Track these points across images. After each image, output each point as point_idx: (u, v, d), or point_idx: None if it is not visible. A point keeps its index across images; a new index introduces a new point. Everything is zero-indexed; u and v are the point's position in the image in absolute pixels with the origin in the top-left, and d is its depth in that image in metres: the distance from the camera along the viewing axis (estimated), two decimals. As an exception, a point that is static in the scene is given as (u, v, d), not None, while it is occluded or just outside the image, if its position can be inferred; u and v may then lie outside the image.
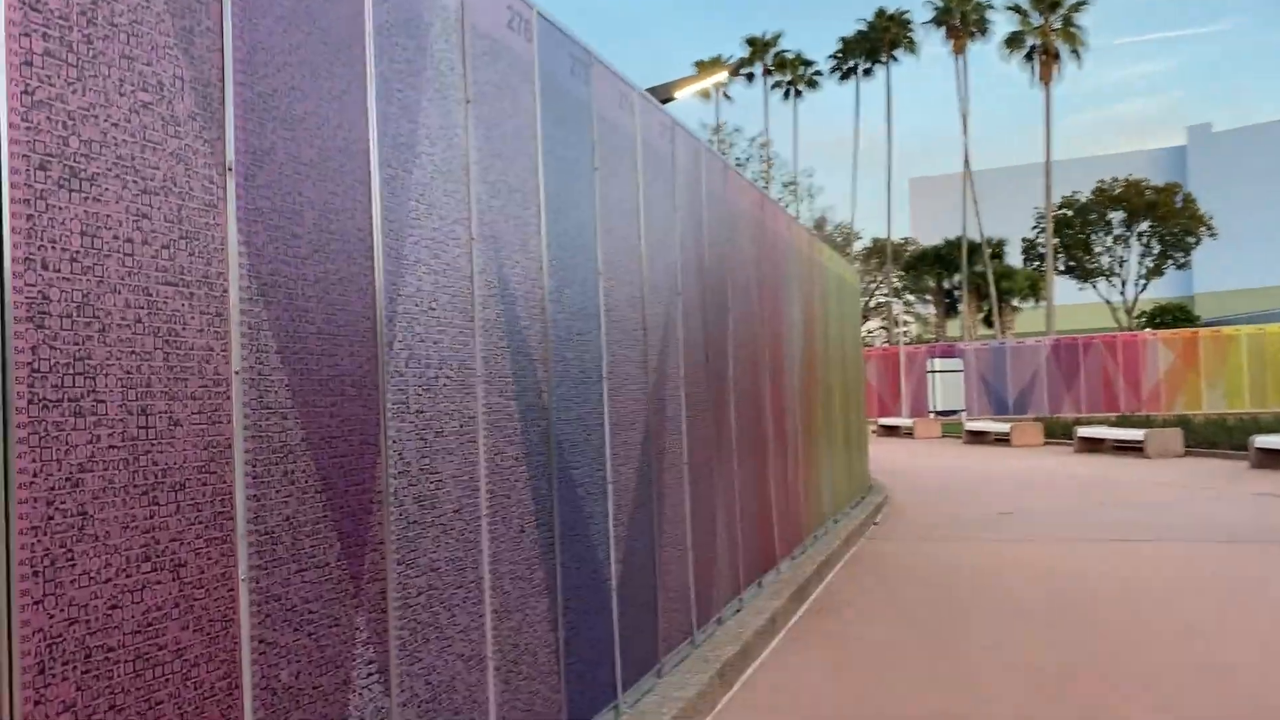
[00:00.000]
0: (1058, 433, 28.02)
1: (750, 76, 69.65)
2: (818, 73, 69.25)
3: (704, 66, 69.28)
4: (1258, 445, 19.02)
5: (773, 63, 68.75)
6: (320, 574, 3.05)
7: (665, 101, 9.90)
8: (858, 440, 15.31)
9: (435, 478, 3.70)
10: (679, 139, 6.87)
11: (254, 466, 2.80)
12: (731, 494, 7.77)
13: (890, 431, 34.48)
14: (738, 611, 7.67)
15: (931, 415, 38.26)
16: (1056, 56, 55.29)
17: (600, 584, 5.15)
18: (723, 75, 12.68)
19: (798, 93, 70.08)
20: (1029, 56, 56.02)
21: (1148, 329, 46.62)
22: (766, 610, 7.74)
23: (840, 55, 66.69)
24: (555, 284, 4.83)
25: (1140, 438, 22.52)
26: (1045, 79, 55.50)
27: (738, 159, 63.15)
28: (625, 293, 5.75)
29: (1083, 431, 24.93)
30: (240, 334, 2.79)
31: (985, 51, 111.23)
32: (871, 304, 68.72)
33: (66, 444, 2.24)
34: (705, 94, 68.90)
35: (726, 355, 7.86)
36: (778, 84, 69.41)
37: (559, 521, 4.70)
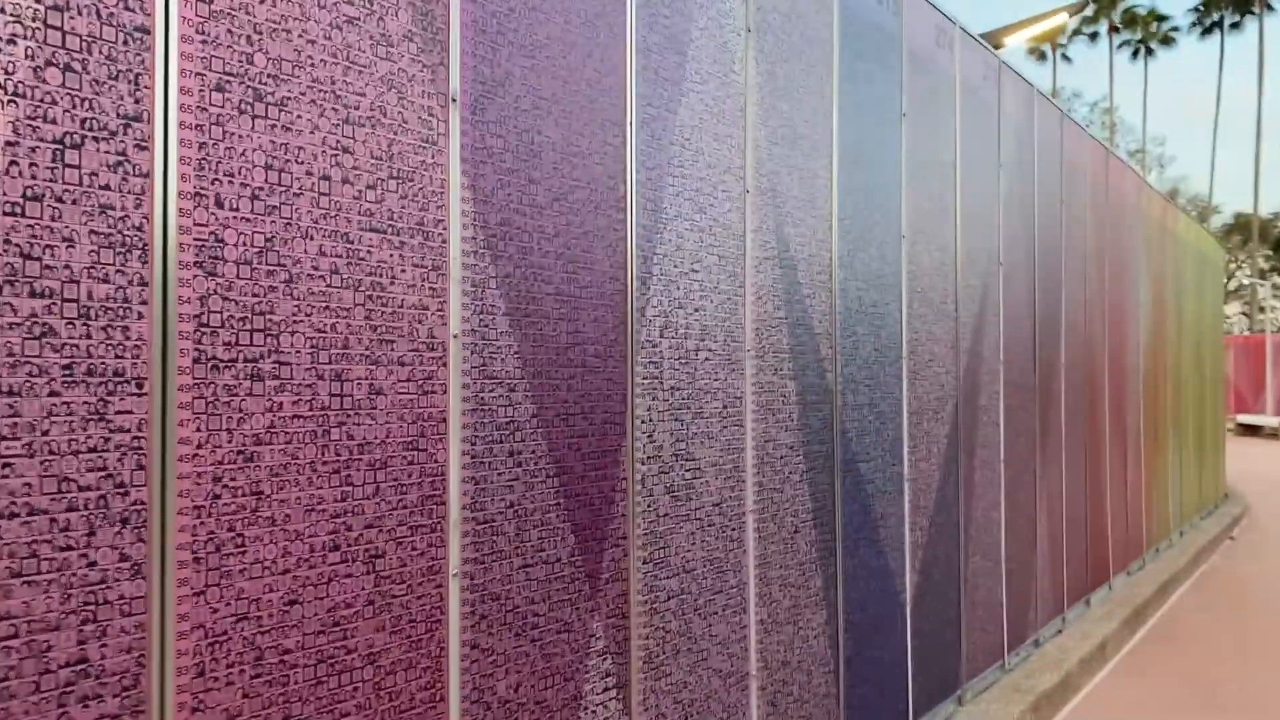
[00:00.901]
0: None
1: (1094, 36, 63.74)
2: (1174, 29, 62.19)
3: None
4: None
5: (1121, 19, 62.51)
6: (549, 571, 2.64)
7: (996, 49, 8.80)
8: (1212, 441, 13.28)
9: (691, 465, 3.20)
10: (1006, 83, 5.93)
11: (473, 444, 2.42)
12: (1057, 498, 6.74)
13: (1251, 431, 30.28)
14: (1059, 633, 6.64)
15: (1303, 415, 33.21)
16: None
17: (891, 596, 4.46)
18: (1063, 18, 11.12)
19: (1149, 51, 63.31)
20: None
21: None
22: (1095, 635, 6.65)
23: (1202, 8, 59.45)
24: (847, 247, 4.17)
25: None
26: None
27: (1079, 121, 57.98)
28: (933, 260, 4.97)
29: None
30: (462, 292, 2.41)
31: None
32: (1231, 287, 61.12)
33: (240, 411, 1.94)
34: (1040, 55, 64.04)
35: (1058, 337, 6.81)
36: (1125, 43, 63.04)
37: (842, 522, 4.07)
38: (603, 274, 2.84)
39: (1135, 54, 63.64)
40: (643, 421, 2.99)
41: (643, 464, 2.99)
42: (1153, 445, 9.56)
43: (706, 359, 3.29)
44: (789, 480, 3.73)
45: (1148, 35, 62.92)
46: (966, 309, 5.35)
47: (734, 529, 3.40)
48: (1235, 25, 59.16)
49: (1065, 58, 65.89)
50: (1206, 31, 60.32)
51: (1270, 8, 57.25)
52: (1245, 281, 59.58)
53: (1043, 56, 64.87)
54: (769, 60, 3.67)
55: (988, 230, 5.65)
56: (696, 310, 3.24)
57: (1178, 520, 10.67)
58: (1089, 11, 62.80)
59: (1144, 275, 9.35)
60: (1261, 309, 59.94)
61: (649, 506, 3.01)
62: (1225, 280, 61.11)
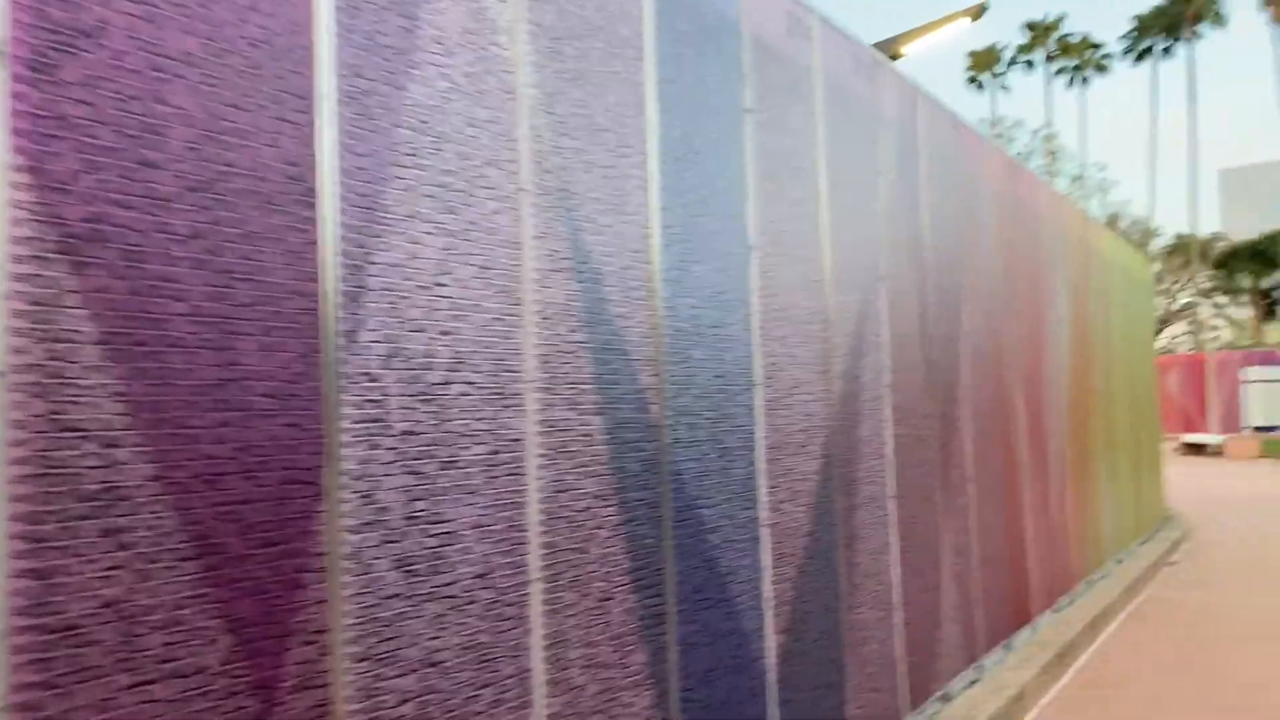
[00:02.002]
0: None
1: (1030, 64, 64.69)
2: (1107, 56, 63.30)
3: (978, 55, 65.23)
4: None
5: (1056, 47, 63.52)
6: (185, 686, 1.96)
7: (893, 59, 8.35)
8: (1149, 463, 12.86)
9: (439, 529, 2.55)
10: (884, 81, 5.40)
11: (35, 524, 1.76)
12: (965, 535, 6.16)
13: (1196, 450, 30.19)
14: (973, 684, 6.03)
15: (1247, 431, 33.27)
16: (1406, 14, 47.27)
17: (747, 664, 3.82)
18: (964, 22, 10.79)
19: (1084, 79, 64.39)
20: (1369, 17, 48.27)
21: None
22: (1011, 684, 6.05)
23: (1134, 35, 60.56)
24: (675, 258, 3.57)
25: None
26: (1392, 41, 47.56)
27: (1019, 153, 58.63)
28: (795, 275, 4.39)
29: None
30: (10, 312, 1.75)
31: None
32: (1175, 307, 61.75)
33: None
34: (979, 84, 64.82)
35: (958, 360, 6.26)
36: (1061, 70, 64.06)
37: (675, 582, 3.43)
38: (278, 287, 2.20)
39: (1071, 81, 64.64)
40: (355, 478, 2.34)
41: (354, 533, 2.33)
42: (1080, 471, 9.05)
43: (463, 394, 2.65)
44: (595, 537, 3.09)
45: (1083, 63, 64.00)
46: (841, 329, 4.76)
47: (509, 604, 2.75)
48: (1167, 51, 60.31)
49: (1003, 87, 66.82)
50: (1139, 58, 61.45)
51: (1198, 34, 58.46)
52: (1189, 301, 60.33)
53: (980, 85, 65.71)
54: (551, 35, 3.07)
55: (866, 243, 5.08)
56: (445, 334, 2.61)
57: (1113, 548, 10.16)
58: (1024, 39, 63.79)
59: (1064, 293, 8.88)
60: (1206, 328, 60.59)
61: (367, 587, 2.35)
62: (1169, 302, 61.89)
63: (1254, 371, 34.98)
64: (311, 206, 2.29)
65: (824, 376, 4.56)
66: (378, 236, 2.45)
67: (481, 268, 2.73)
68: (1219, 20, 57.31)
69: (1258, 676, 6.65)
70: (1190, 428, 36.14)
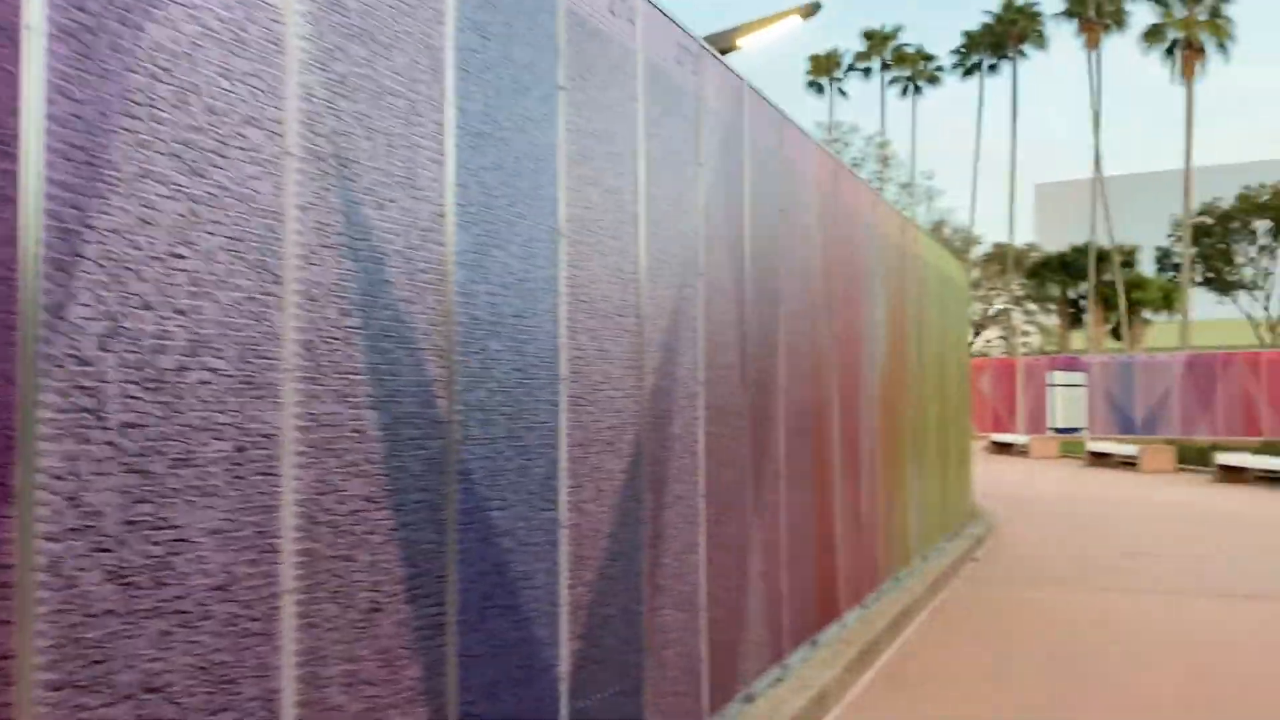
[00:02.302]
0: (1191, 458, 25.22)
1: (867, 71, 67.01)
2: (939, 68, 66.20)
3: (819, 60, 67.14)
4: None
5: (891, 57, 65.98)
6: None
7: (725, 52, 8.31)
8: (959, 462, 13.40)
9: (168, 535, 2.23)
10: (710, 71, 5.28)
11: None
12: (775, 533, 6.15)
13: (1003, 449, 31.95)
14: (778, 682, 6.03)
15: (1050, 433, 35.48)
16: (1201, 50, 51.31)
17: (538, 673, 3.62)
18: (795, 20, 10.88)
19: (917, 89, 67.16)
20: (1170, 51, 52.15)
21: (1297, 347, 42.56)
22: (815, 682, 6.08)
23: (964, 50, 63.51)
24: (472, 241, 3.32)
25: (1291, 469, 19.83)
26: (1188, 74, 51.56)
27: (854, 158, 60.63)
28: (608, 265, 4.20)
29: (1223, 459, 22.23)
30: None
31: (1120, 46, 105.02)
32: (991, 313, 65.30)
33: None
34: (818, 88, 66.71)
35: (775, 358, 6.24)
36: (895, 79, 66.62)
37: (458, 590, 3.19)
38: (-43, 252, 1.84)
39: (904, 91, 67.29)
40: (56, 478, 2.00)
41: (53, 540, 2.00)
42: (891, 469, 9.27)
43: (203, 382, 2.33)
44: (365, 544, 2.81)
45: (916, 74, 66.71)
46: (655, 324, 4.62)
47: (255, 619, 2.45)
48: (993, 68, 63.51)
49: (841, 92, 68.94)
50: (968, 72, 64.47)
51: (1023, 54, 61.81)
52: (1003, 308, 63.85)
53: (820, 89, 67.68)
54: (331, -15, 2.76)
55: (684, 236, 4.95)
56: (181, 313, 2.28)
57: (921, 545, 10.50)
58: (863, 47, 65.98)
59: (880, 295, 9.07)
60: (1018, 333, 64.35)
61: (68, 603, 2.02)
62: (985, 307, 65.38)
63: (1057, 376, 37.32)
64: (11, 157, 1.93)
65: (636, 372, 4.40)
66: (100, 197, 2.11)
67: (232, 239, 2.42)
68: (1041, 42, 60.71)
69: (1032, 665, 6.93)
70: (1000, 428, 38.24)
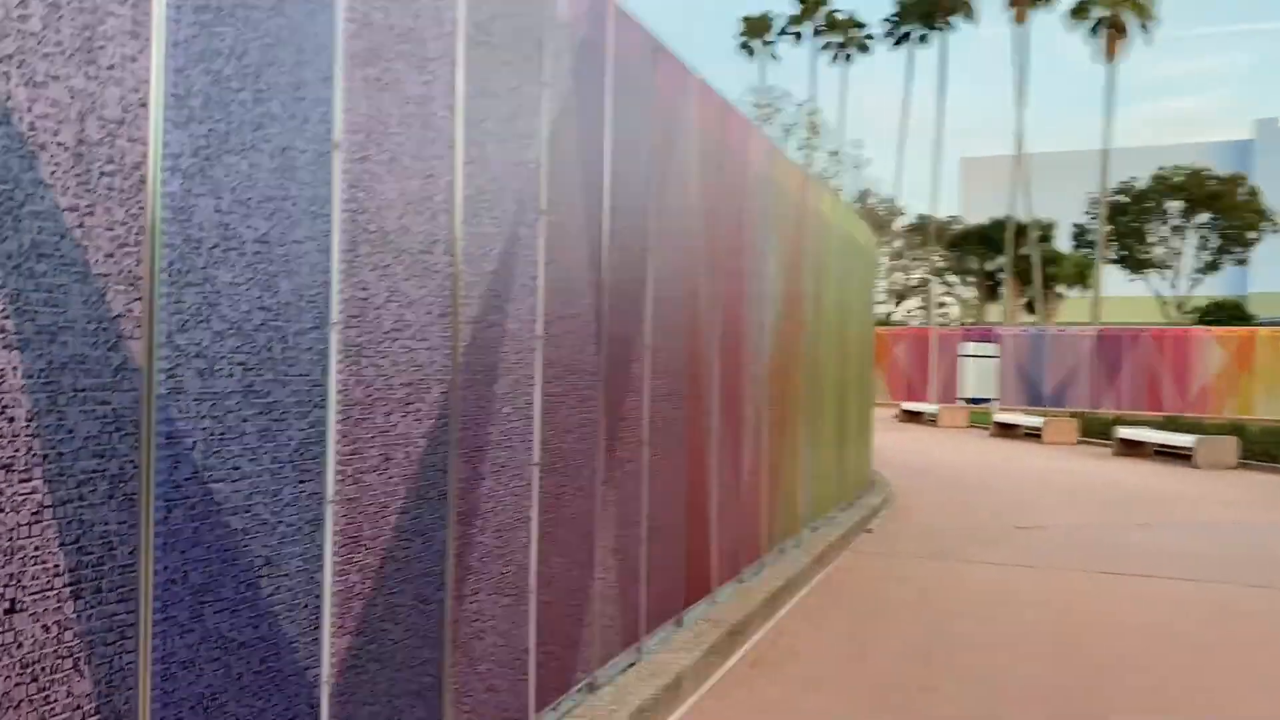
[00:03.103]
0: (1095, 431, 25.47)
1: (799, 36, 66.47)
2: (870, 36, 65.95)
3: (751, 21, 66.34)
4: (1328, 464, 16.46)
5: (824, 22, 65.51)
6: None
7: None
8: (858, 430, 13.04)
9: None
10: (560, -21, 4.60)
11: None
12: (634, 505, 5.58)
13: (913, 418, 32.03)
14: (630, 667, 5.50)
15: (960, 403, 35.75)
16: (1124, 31, 51.83)
17: (286, 678, 2.99)
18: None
19: (848, 57, 66.84)
20: (1095, 29, 52.57)
21: (1200, 325, 43.61)
22: (670, 667, 5.56)
23: (896, 19, 63.30)
24: (189, 140, 2.62)
25: (1189, 444, 20.01)
26: (1110, 54, 52.11)
27: (784, 125, 60.20)
28: (408, 191, 3.54)
29: (1123, 432, 22.42)
30: None
31: (1048, 23, 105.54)
32: (912, 283, 65.75)
33: None
34: (749, 50, 66.02)
35: (640, 311, 5.64)
36: (828, 45, 66.19)
37: (157, 581, 2.54)
38: None
39: (836, 58, 66.91)
40: None
41: None
42: (780, 436, 8.79)
43: None
44: (-6, 524, 2.14)
45: (848, 40, 66.37)
46: (477, 265, 3.97)
47: None
48: (923, 38, 63.42)
49: (773, 56, 68.35)
50: (898, 42, 64.30)
51: (952, 25, 61.82)
52: (923, 277, 64.35)
53: (752, 52, 66.96)
54: None
55: (520, 166, 4.30)
56: None
57: (811, 515, 10.08)
58: (796, 10, 65.37)
59: (774, 252, 8.52)
60: (939, 304, 65.00)
61: None
62: (906, 277, 65.84)
63: (970, 347, 37.58)
64: None
65: (445, 320, 3.75)
66: None
67: None
68: (970, 14, 60.74)
69: (907, 645, 6.53)
70: (914, 397, 38.46)
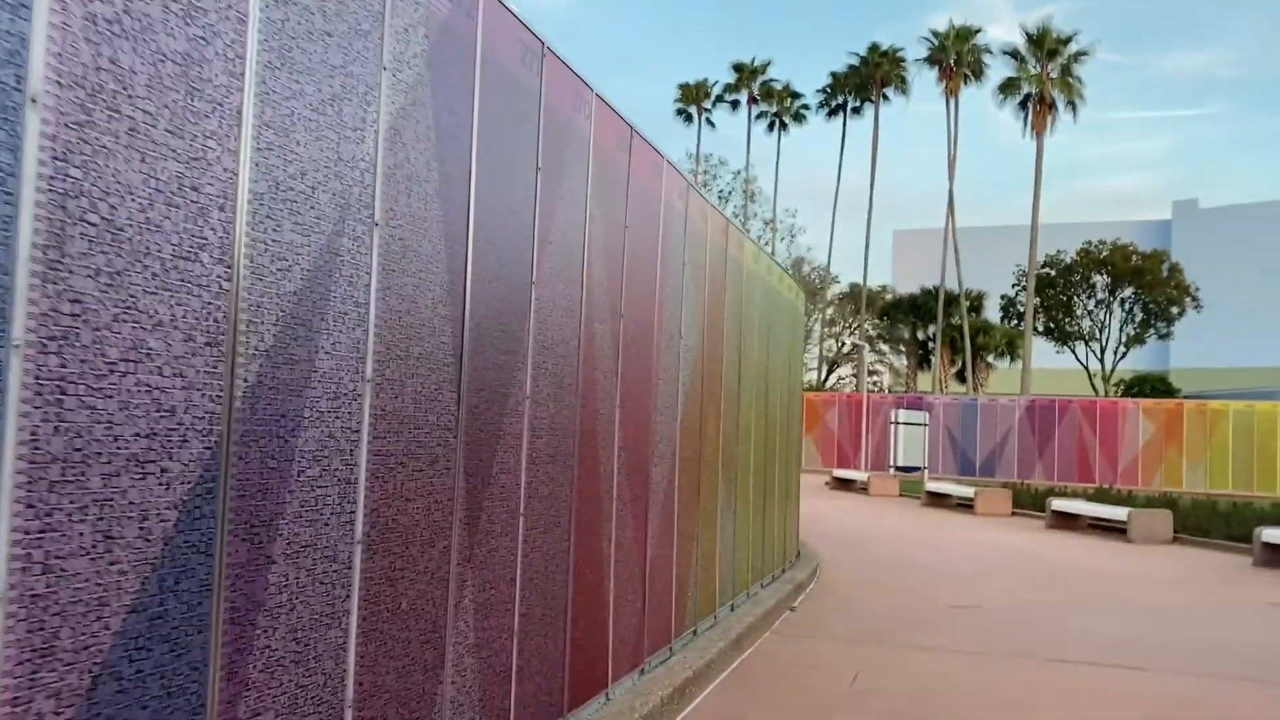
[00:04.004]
0: (1027, 502, 25.02)
1: (735, 104, 67.08)
2: (805, 106, 66.81)
3: (688, 89, 66.78)
4: (1265, 540, 16.05)
5: (759, 91, 66.24)
6: None
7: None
8: (782, 499, 12.21)
9: None
10: (410, -55, 3.77)
11: None
12: (502, 586, 4.63)
13: (844, 485, 31.41)
14: (493, 790, 4.51)
15: (891, 471, 35.27)
16: (1052, 106, 53.06)
17: None
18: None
19: (783, 125, 67.57)
20: (1024, 105, 53.76)
21: (1127, 398, 43.95)
22: (543, 790, 4.58)
23: (829, 90, 64.23)
24: None
25: (1123, 517, 19.55)
26: (1039, 129, 53.21)
27: (720, 191, 60.37)
28: (155, 173, 2.63)
29: (1057, 504, 21.94)
30: None
31: (978, 99, 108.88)
32: (845, 350, 65.90)
33: None
34: (687, 116, 66.38)
35: (516, 357, 4.75)
36: (763, 114, 66.88)
37: None
38: None
39: (771, 126, 67.61)
40: None
41: None
42: (694, 503, 7.91)
43: None
44: None
45: (783, 109, 67.13)
46: (271, 283, 3.06)
47: None
48: (856, 110, 64.37)
49: (710, 122, 68.83)
50: (832, 112, 65.18)
51: (886, 98, 62.88)
52: (856, 344, 64.55)
53: (689, 118, 67.33)
54: None
55: (343, 165, 3.42)
56: None
57: (729, 592, 9.17)
58: (731, 79, 66.00)
59: (690, 300, 7.73)
60: (871, 372, 65.10)
61: None
62: (839, 345, 66.02)
63: (901, 414, 37.27)
64: None
65: (214, 351, 2.83)
66: None
67: None
68: (904, 86, 61.85)
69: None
70: (846, 464, 37.95)
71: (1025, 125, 53.83)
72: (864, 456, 38.10)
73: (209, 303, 2.79)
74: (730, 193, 61.65)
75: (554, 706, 5.25)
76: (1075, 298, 54.80)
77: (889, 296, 65.89)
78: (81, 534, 2.41)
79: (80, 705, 2.41)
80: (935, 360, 57.85)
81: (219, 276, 2.83)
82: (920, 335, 62.74)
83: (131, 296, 2.54)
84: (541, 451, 5.03)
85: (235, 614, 2.92)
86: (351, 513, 3.48)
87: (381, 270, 3.63)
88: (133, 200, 2.54)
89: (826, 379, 65.56)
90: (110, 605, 2.49)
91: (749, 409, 9.90)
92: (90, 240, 2.42)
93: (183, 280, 2.70)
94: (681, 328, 7.49)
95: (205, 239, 2.78)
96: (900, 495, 29.27)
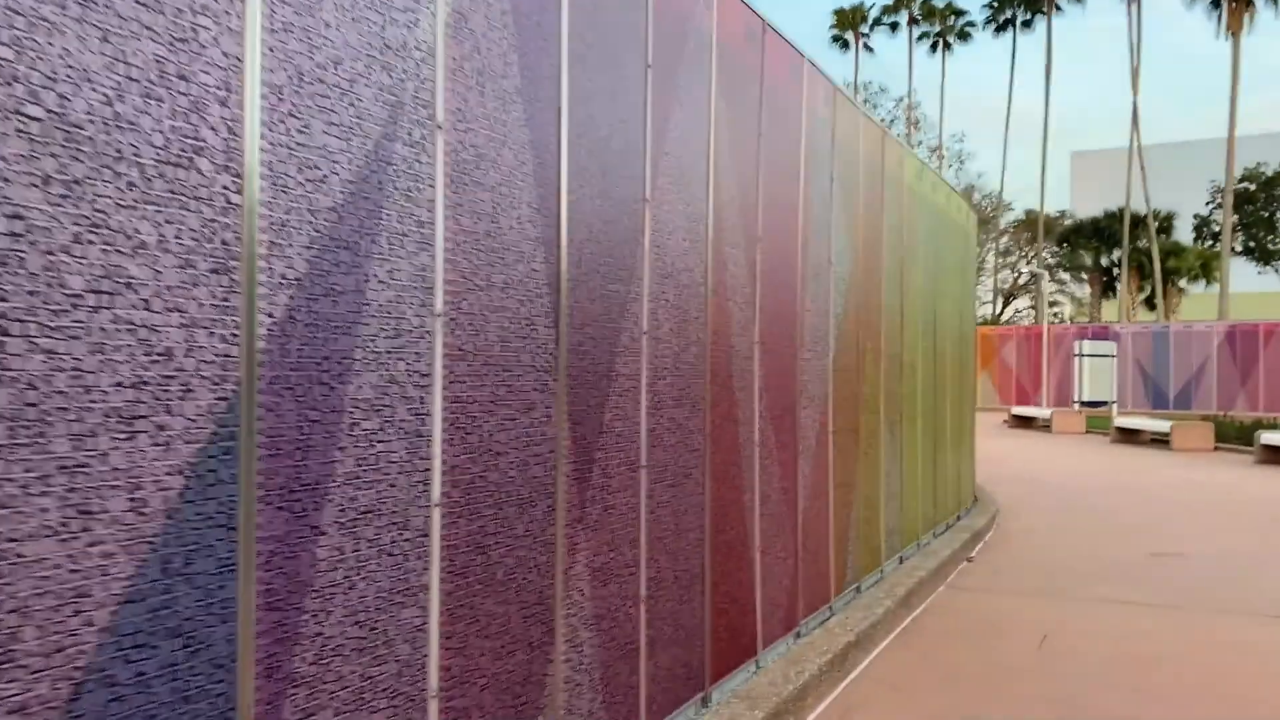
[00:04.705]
0: (1231, 436, 22.84)
1: (895, 26, 63.90)
2: (970, 23, 63.04)
3: (843, 14, 63.98)
4: None
5: (920, 10, 62.83)
6: None
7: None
8: (957, 440, 11.23)
9: None
10: None
11: None
12: (624, 550, 4.06)
13: (1025, 423, 29.61)
14: (621, 777, 3.97)
15: (1076, 406, 33.06)
16: (1249, 2, 47.99)
17: None
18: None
19: (947, 46, 64.03)
20: (1216, 2, 48.85)
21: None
22: (678, 778, 4.01)
23: (996, 3, 60.23)
24: None
25: (1348, 452, 17.45)
26: (1235, 29, 48.29)
27: (882, 118, 57.82)
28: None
29: (1267, 438, 19.84)
30: None
31: (1161, 4, 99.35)
32: (1021, 281, 62.48)
33: None
34: (844, 44, 63.75)
35: (629, 302, 4.12)
36: (924, 35, 63.49)
37: None
38: None
39: (934, 47, 64.18)
40: None
41: None
42: (852, 449, 7.14)
43: None
44: None
45: (946, 29, 63.58)
46: (309, 200, 2.51)
47: None
48: (1027, 24, 60.22)
49: (868, 48, 65.83)
50: (1000, 29, 61.24)
51: (1059, 8, 58.52)
52: (1035, 272, 61.04)
53: (845, 45, 64.57)
54: None
55: (395, 44, 2.83)
56: None
57: (897, 544, 8.39)
58: (889, 0, 62.83)
59: (842, 223, 6.90)
60: (1051, 303, 61.55)
61: None
62: (1015, 276, 62.60)
63: (1085, 346, 34.84)
64: None
65: (221, 281, 2.30)
66: None
67: None
68: (1077, -4, 57.36)
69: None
70: (1025, 400, 35.91)
71: (1219, 26, 49.00)
72: (1045, 392, 35.91)
73: (211, 220, 2.26)
74: (893, 121, 59.00)
75: (693, 680, 4.67)
76: (1278, 214, 49.97)
77: (1068, 222, 61.85)
78: (45, 510, 1.93)
79: (56, 719, 1.95)
80: (1121, 287, 53.97)
81: (224, 188, 2.30)
82: (1104, 261, 58.69)
83: (99, 211, 2.03)
84: (665, 395, 4.41)
85: (273, 598, 2.43)
86: (426, 470, 2.94)
87: (450, 182, 3.04)
88: (92, 89, 2.01)
89: (1002, 312, 62.44)
90: (93, 596, 2.02)
91: (914, 343, 9.00)
92: (32, 139, 1.91)
93: (171, 192, 2.17)
94: (832, 254, 6.69)
95: (202, 141, 2.24)
96: (1086, 432, 27.35)
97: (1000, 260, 61.92)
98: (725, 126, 5.02)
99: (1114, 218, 55.69)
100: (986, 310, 59.99)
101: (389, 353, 2.79)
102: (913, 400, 8.97)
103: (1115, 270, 56.14)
